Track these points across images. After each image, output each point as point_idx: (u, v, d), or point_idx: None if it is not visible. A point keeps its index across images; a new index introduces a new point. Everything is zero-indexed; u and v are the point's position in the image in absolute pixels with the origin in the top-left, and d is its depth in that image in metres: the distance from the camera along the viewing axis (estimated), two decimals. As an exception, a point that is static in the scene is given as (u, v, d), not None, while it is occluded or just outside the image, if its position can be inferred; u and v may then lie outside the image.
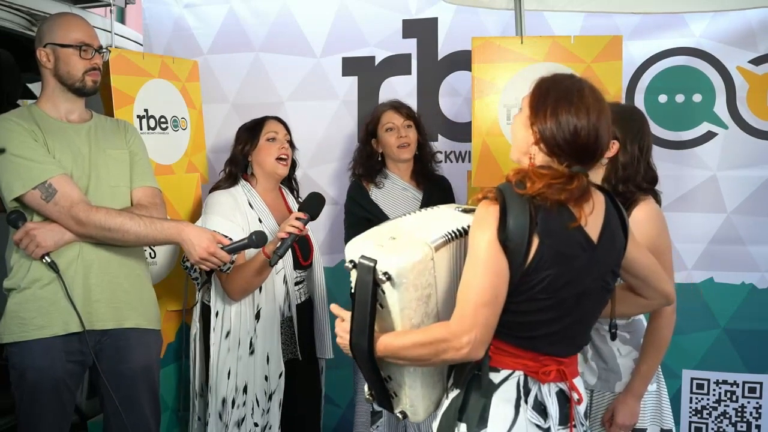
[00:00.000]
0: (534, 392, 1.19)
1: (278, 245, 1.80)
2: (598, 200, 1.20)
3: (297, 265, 2.05)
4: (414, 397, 1.24)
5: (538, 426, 1.18)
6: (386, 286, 1.13)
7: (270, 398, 1.97)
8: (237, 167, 2.05)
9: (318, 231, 2.46)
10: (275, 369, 1.96)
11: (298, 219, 1.83)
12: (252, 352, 1.95)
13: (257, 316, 1.96)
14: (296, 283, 2.06)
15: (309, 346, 2.10)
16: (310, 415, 2.14)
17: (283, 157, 2.02)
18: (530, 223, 1.10)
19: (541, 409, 1.18)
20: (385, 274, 1.12)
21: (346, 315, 1.22)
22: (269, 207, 2.03)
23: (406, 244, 1.15)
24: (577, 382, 1.25)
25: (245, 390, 1.95)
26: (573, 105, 1.14)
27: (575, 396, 1.21)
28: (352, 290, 1.19)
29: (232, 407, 1.94)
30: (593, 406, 1.62)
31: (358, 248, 1.18)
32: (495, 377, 1.19)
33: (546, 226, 1.12)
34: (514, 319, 1.16)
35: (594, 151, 1.16)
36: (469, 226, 1.18)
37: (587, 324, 1.26)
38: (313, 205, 1.90)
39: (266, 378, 1.96)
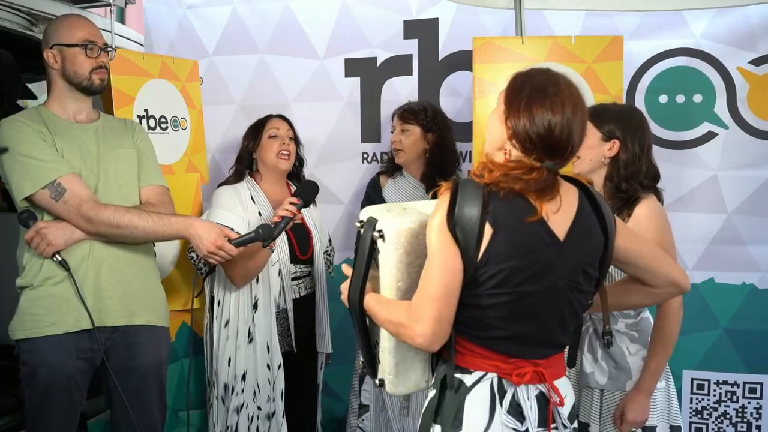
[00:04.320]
0: (510, 394, 1.17)
1: (271, 228, 1.84)
2: (569, 195, 1.17)
3: (295, 260, 2.10)
4: (392, 365, 1.27)
5: (514, 429, 1.16)
6: (380, 243, 1.23)
7: (273, 387, 2.04)
8: (243, 164, 2.14)
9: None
10: (275, 359, 2.03)
11: (291, 204, 1.88)
12: (251, 341, 2.02)
13: (255, 306, 2.03)
14: (296, 278, 2.11)
15: (308, 341, 2.14)
16: (306, 409, 2.18)
17: (285, 152, 2.09)
18: (482, 211, 1.09)
19: (517, 411, 1.16)
20: (379, 231, 1.23)
21: (350, 271, 1.31)
22: (273, 201, 2.09)
23: (410, 214, 1.26)
24: (562, 383, 1.23)
25: (244, 378, 2.03)
26: (547, 99, 1.12)
27: (556, 398, 1.18)
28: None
29: (232, 394, 2.02)
30: (604, 406, 1.61)
31: (370, 212, 1.29)
32: (467, 379, 1.17)
33: (498, 215, 1.10)
34: (475, 314, 1.14)
35: (566, 146, 1.13)
36: None
37: (562, 324, 1.20)
38: (306, 192, 1.96)
39: (268, 366, 2.03)
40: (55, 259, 1.62)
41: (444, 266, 1.11)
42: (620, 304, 1.46)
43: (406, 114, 2.24)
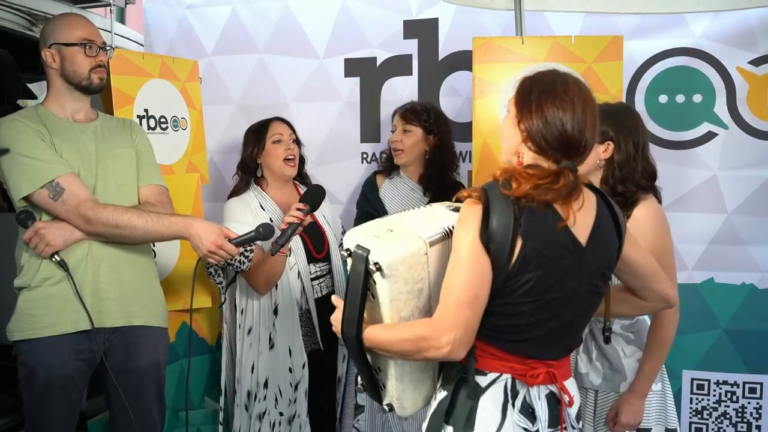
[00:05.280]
0: (522, 395, 1.17)
1: (278, 235, 1.85)
2: (589, 200, 1.18)
3: (311, 259, 2.11)
4: (401, 391, 1.24)
5: (525, 429, 1.16)
6: (377, 277, 1.14)
7: (296, 389, 2.05)
8: (247, 172, 2.13)
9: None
10: (298, 360, 2.04)
11: (298, 210, 1.88)
12: (272, 347, 2.03)
13: (275, 312, 2.04)
14: (316, 278, 2.12)
15: (332, 336, 2.15)
16: (326, 400, 2.19)
17: (290, 157, 2.10)
18: (514, 224, 1.09)
19: (528, 412, 1.17)
20: (375, 264, 1.13)
21: (341, 303, 1.23)
22: (283, 205, 2.10)
23: (401, 237, 1.16)
24: (570, 383, 1.24)
25: (266, 384, 2.04)
26: (557, 98, 1.13)
27: (566, 398, 1.19)
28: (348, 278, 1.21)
29: (255, 401, 2.03)
30: (598, 407, 1.61)
31: (355, 237, 1.19)
32: (482, 380, 1.18)
33: (530, 227, 1.10)
34: (499, 321, 1.15)
35: (580, 143, 1.14)
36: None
37: (576, 327, 1.24)
38: (313, 196, 1.95)
39: (290, 370, 2.04)
40: (53, 259, 1.61)
41: (474, 276, 1.10)
42: (599, 313, 1.45)
43: (409, 114, 2.22)
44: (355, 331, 1.18)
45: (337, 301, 1.27)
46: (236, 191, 2.13)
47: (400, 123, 2.23)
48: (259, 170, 2.13)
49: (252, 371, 2.04)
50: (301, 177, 2.24)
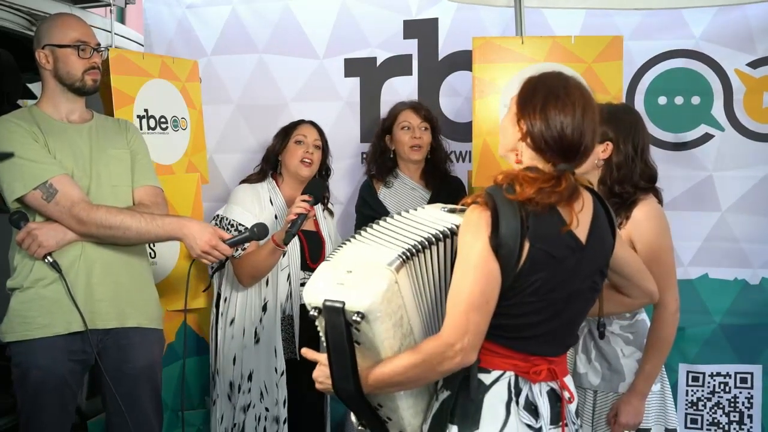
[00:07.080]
0: (525, 392, 1.19)
1: (289, 226, 1.86)
2: (586, 200, 1.21)
3: (306, 267, 2.09)
4: (410, 416, 1.24)
5: (529, 426, 1.18)
6: (362, 325, 1.10)
7: (278, 392, 2.04)
8: (268, 165, 2.17)
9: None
10: (281, 364, 2.03)
11: (303, 201, 1.90)
12: (257, 342, 2.02)
13: (264, 308, 2.04)
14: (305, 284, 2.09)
15: (314, 348, 2.14)
16: (309, 419, 2.16)
17: (307, 160, 2.10)
18: (521, 228, 1.10)
19: (532, 409, 1.19)
20: (357, 314, 1.08)
21: (323, 358, 1.19)
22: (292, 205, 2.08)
23: (366, 275, 1.11)
24: (568, 380, 1.26)
25: (250, 377, 2.03)
26: (559, 101, 1.14)
27: (566, 395, 1.22)
28: (321, 335, 1.16)
29: (239, 392, 2.03)
30: (597, 407, 1.62)
31: (318, 292, 1.13)
32: (486, 378, 1.19)
33: (537, 230, 1.12)
34: (505, 321, 1.16)
35: (579, 147, 1.16)
36: (447, 229, 1.18)
37: (576, 323, 1.27)
38: (316, 188, 1.98)
39: (276, 370, 2.03)
40: (46, 260, 1.60)
41: (485, 282, 1.10)
42: (593, 311, 1.47)
43: (425, 111, 2.22)
44: (353, 384, 1.14)
45: (312, 354, 1.22)
46: (249, 179, 2.15)
47: (415, 119, 2.20)
48: (279, 166, 2.15)
49: (234, 363, 2.04)
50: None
